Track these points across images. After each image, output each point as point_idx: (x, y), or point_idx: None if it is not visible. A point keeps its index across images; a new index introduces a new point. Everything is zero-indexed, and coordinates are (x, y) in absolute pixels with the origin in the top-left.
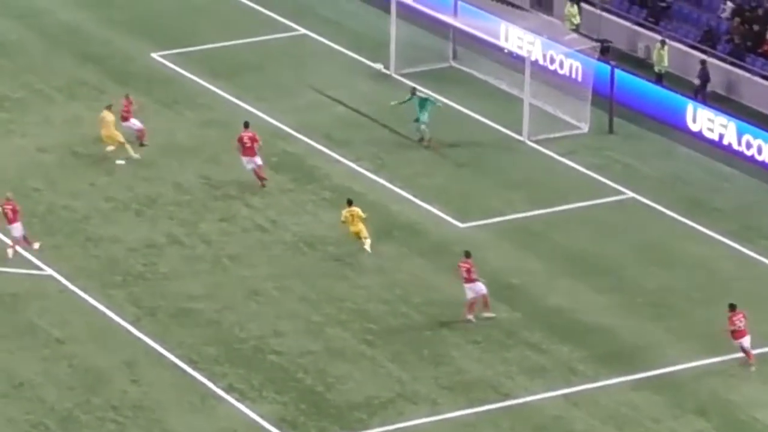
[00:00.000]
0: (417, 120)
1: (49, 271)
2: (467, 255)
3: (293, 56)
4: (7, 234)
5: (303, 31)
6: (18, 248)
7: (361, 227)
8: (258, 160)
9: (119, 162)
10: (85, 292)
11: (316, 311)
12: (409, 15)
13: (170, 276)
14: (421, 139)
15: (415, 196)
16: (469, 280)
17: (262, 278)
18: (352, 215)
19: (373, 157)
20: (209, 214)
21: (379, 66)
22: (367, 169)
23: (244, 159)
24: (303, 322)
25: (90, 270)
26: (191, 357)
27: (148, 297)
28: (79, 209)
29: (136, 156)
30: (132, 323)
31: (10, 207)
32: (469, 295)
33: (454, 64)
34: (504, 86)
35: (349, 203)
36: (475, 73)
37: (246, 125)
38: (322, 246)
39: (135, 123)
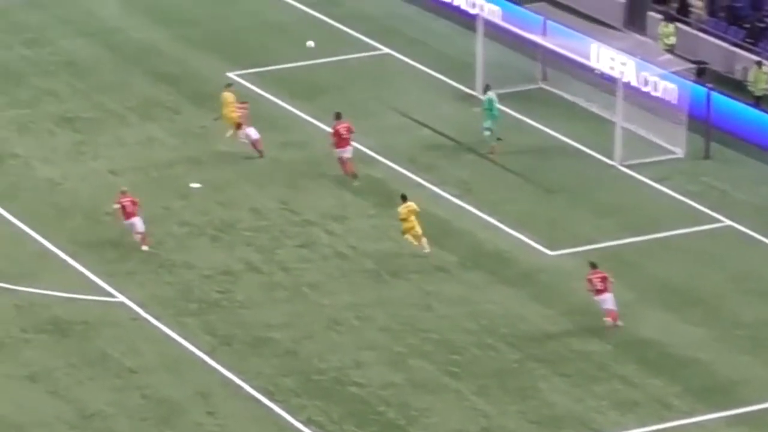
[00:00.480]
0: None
1: (120, 298)
2: (594, 266)
3: (375, 76)
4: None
5: (386, 50)
6: (145, 247)
7: (416, 224)
8: (349, 153)
9: (194, 186)
10: (159, 320)
11: (399, 341)
12: (496, 34)
13: (247, 304)
14: (492, 152)
15: (502, 222)
16: (604, 291)
17: (343, 307)
18: (408, 211)
19: (459, 182)
20: (288, 240)
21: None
22: (452, 194)
23: (338, 150)
24: (385, 353)
25: (163, 297)
26: (268, 388)
27: (224, 326)
28: (153, 234)
29: (243, 140)
30: (207, 353)
31: (128, 200)
32: (605, 306)
33: (543, 85)
34: (595, 109)
35: (404, 198)
36: (564, 95)
37: (338, 116)
38: (405, 274)
39: (252, 133)
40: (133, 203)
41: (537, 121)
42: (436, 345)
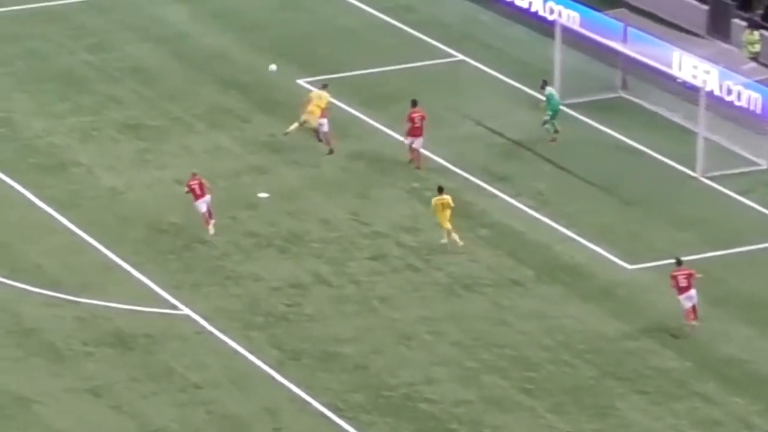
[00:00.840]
0: (550, 119)
1: (185, 310)
2: (679, 262)
3: (450, 84)
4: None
5: (460, 57)
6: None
7: (447, 217)
8: (419, 143)
9: (262, 195)
10: (224, 333)
11: (472, 357)
12: (575, 41)
13: (315, 317)
14: (553, 140)
15: (579, 235)
16: (688, 288)
17: (414, 321)
18: (442, 204)
19: (535, 193)
20: (358, 252)
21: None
22: (528, 206)
23: (409, 139)
24: (457, 369)
25: (229, 310)
26: (337, 404)
27: (292, 340)
28: (219, 245)
29: (292, 128)
30: (274, 367)
31: (196, 183)
32: (687, 304)
33: (623, 94)
34: (677, 118)
35: (440, 191)
36: (645, 104)
37: (414, 103)
38: (479, 287)
39: (323, 123)
40: (201, 185)
41: (616, 131)
42: (511, 361)
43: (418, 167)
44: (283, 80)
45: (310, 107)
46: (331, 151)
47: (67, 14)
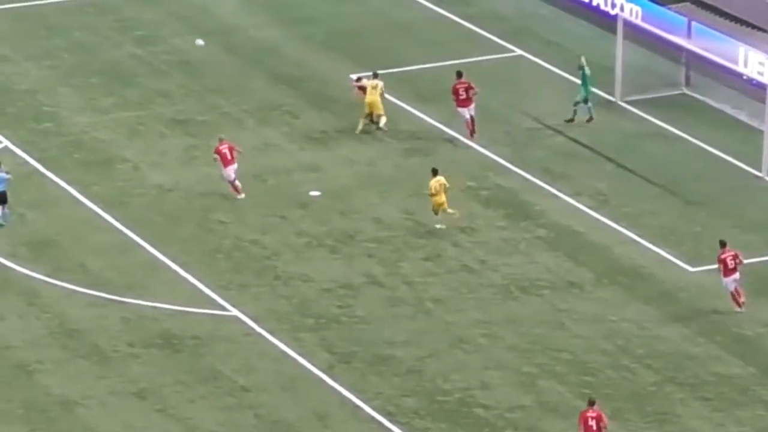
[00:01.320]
0: (583, 100)
1: (234, 312)
2: (724, 244)
3: (507, 80)
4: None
5: (519, 52)
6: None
7: (444, 199)
8: (472, 111)
9: (313, 194)
10: (274, 335)
11: (528, 362)
12: (637, 36)
13: (367, 320)
14: (590, 119)
15: (640, 236)
16: (735, 270)
17: (469, 324)
18: (440, 185)
19: (595, 193)
20: (412, 252)
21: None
22: (587, 206)
23: (459, 110)
24: (513, 373)
25: (279, 311)
26: (389, 409)
27: (343, 342)
28: (269, 245)
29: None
30: (325, 371)
31: (226, 147)
32: (732, 287)
33: (686, 90)
34: (742, 116)
35: (435, 173)
36: (709, 101)
37: (459, 74)
38: (536, 290)
39: (467, 111)
40: (231, 150)
41: (679, 129)
42: (568, 365)
43: (472, 133)
44: (335, 75)
45: (370, 99)
46: (378, 127)
47: (116, 6)
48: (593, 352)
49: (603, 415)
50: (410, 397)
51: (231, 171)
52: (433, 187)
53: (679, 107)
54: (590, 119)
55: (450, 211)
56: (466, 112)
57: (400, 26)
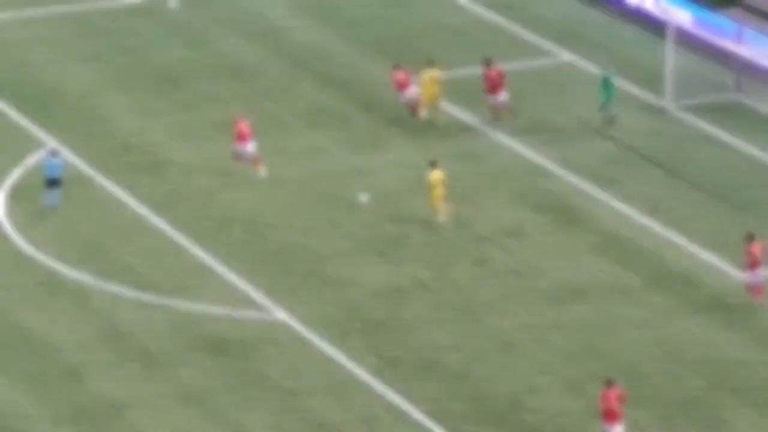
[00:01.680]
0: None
1: (281, 315)
2: (752, 237)
3: (555, 84)
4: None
5: (568, 56)
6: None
7: (441, 193)
8: (504, 97)
9: (362, 197)
10: (321, 339)
11: (577, 366)
12: (687, 41)
13: (415, 324)
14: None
15: (690, 242)
16: (762, 263)
17: (517, 329)
18: (439, 179)
19: (645, 198)
20: (460, 256)
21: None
22: (637, 211)
23: (491, 97)
24: (561, 378)
25: (326, 315)
26: (437, 413)
27: (391, 346)
28: (316, 248)
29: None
30: (372, 375)
31: (245, 123)
32: (756, 279)
33: (736, 96)
34: None
35: (433, 165)
36: (760, 107)
37: (488, 62)
38: (585, 295)
39: (500, 97)
40: (248, 127)
41: (729, 134)
42: (617, 371)
43: (514, 115)
44: (383, 78)
45: (428, 91)
46: (415, 113)
47: (164, 10)
48: (642, 358)
49: (623, 394)
50: (458, 402)
51: (249, 146)
52: (432, 180)
53: (729, 113)
54: (610, 123)
55: (445, 205)
56: (497, 98)
57: (448, 30)
